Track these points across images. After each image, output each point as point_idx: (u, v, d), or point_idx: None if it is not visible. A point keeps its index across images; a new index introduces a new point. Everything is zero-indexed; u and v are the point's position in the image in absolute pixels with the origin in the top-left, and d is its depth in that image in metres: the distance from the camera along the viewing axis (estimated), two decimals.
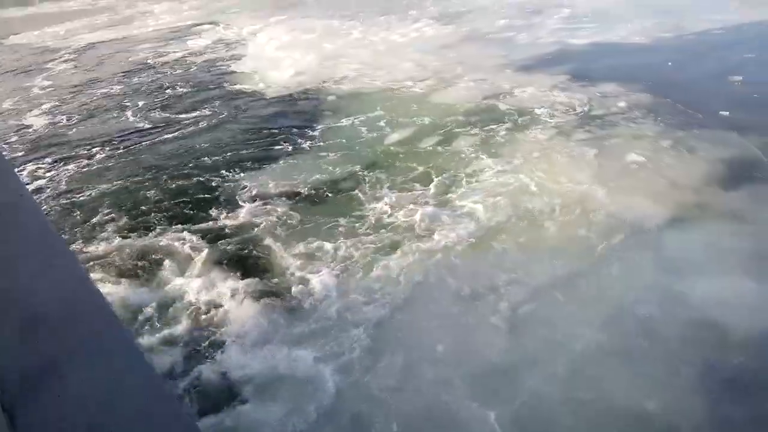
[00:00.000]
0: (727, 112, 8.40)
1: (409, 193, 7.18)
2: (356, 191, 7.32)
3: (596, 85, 10.17)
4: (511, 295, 5.08)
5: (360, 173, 7.84)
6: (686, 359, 4.22)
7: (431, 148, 8.49)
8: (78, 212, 7.72)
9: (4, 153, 10.20)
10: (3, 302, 1.56)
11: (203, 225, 6.97)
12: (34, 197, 7.47)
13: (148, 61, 17.30)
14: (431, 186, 7.29)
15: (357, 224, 6.53)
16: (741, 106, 8.61)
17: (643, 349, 4.37)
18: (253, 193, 7.66)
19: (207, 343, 4.93)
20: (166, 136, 10.39)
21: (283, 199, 7.39)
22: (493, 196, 6.79)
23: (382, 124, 9.69)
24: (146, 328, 5.16)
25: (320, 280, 5.57)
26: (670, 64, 10.83)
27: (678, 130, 7.99)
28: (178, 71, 15.55)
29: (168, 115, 11.74)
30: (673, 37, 12.66)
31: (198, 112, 11.68)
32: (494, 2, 19.47)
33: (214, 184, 8.15)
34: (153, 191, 8.06)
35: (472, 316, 4.92)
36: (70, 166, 9.42)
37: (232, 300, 5.48)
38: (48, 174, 9.20)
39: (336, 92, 11.80)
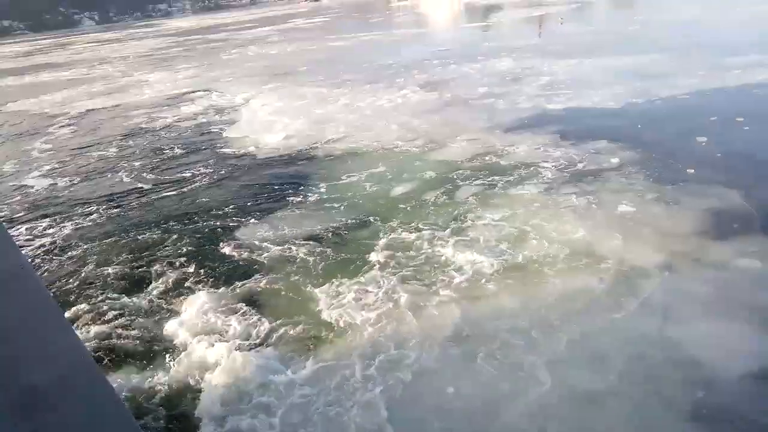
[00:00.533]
0: (693, 170, 9.00)
1: (415, 239, 7.57)
2: (363, 238, 7.77)
3: (579, 144, 10.82)
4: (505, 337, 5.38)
5: (364, 221, 8.33)
6: (672, 398, 4.49)
7: (434, 199, 9.01)
8: (80, 270, 7.95)
9: (4, 212, 10.50)
10: (1, 374, 1.51)
11: (218, 266, 7.24)
12: (34, 267, 7.72)
13: (143, 125, 17.96)
14: (436, 233, 7.69)
15: (360, 269, 6.86)
16: (707, 163, 9.23)
17: (631, 387, 4.65)
18: (264, 238, 8.04)
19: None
20: (167, 194, 10.79)
21: (302, 242, 7.84)
22: (495, 243, 7.20)
23: (384, 178, 10.25)
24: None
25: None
26: (639, 126, 11.58)
27: (656, 184, 8.55)
28: (173, 134, 16.16)
29: (166, 175, 12.19)
30: (643, 101, 13.53)
31: (196, 171, 12.16)
32: (476, 71, 20.56)
33: (223, 231, 8.49)
34: (160, 243, 8.35)
35: (469, 357, 5.21)
36: (69, 224, 9.71)
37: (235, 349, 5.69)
38: (49, 231, 9.46)
39: (331, 152, 12.41)
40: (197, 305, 6.58)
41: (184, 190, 10.96)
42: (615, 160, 9.80)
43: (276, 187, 10.52)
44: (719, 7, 34.19)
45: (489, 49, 26.72)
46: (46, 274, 8.02)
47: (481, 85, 17.83)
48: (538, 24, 37.22)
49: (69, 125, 19.63)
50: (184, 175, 12.02)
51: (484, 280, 6.51)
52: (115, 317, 6.64)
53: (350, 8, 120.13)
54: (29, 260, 7.94)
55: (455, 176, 9.99)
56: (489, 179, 9.65)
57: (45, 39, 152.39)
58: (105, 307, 6.85)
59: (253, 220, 9.09)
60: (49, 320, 1.87)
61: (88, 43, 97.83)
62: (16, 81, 40.63)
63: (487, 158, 10.80)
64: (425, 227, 8.03)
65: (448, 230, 7.86)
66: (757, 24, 25.39)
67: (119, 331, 6.35)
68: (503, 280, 6.44)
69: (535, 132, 12.07)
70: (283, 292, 6.77)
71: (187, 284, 7.22)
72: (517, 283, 6.36)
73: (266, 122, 16.34)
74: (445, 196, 9.15)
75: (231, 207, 9.77)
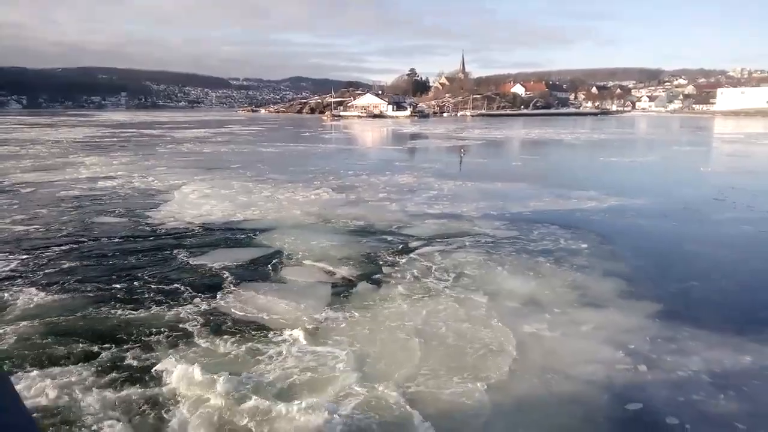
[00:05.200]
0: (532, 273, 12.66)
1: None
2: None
3: (434, 239, 14.39)
4: None
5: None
6: None
7: (312, 250, 12.01)
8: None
9: None
10: None
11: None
12: None
13: (81, 196, 20.28)
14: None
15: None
16: (514, 253, 12.95)
17: None
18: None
19: None
20: (91, 251, 13.22)
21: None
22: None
23: (284, 242, 13.22)
24: None
25: None
26: (480, 228, 15.41)
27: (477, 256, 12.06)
28: (108, 206, 18.62)
29: (94, 234, 14.65)
30: (496, 213, 17.62)
31: (123, 234, 14.70)
32: (382, 182, 24.61)
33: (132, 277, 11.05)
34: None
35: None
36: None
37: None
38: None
39: (248, 225, 15.37)
40: None
41: (107, 249, 13.46)
42: (453, 246, 13.35)
43: (193, 249, 13.21)
44: (599, 154, 41.65)
45: (398, 167, 31.46)
46: None
47: (381, 192, 21.72)
48: (452, 153, 43.28)
49: (5, 192, 21.50)
50: (117, 236, 14.54)
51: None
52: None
53: (285, 121, 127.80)
54: None
55: (336, 240, 13.15)
56: (363, 241, 12.87)
57: None
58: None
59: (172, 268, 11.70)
60: None
61: (16, 124, 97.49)
62: None
63: (367, 234, 14.12)
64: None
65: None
66: (606, 170, 31.99)
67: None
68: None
69: (406, 224, 15.64)
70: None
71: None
72: None
73: (195, 203, 19.15)
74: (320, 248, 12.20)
75: (154, 257, 12.37)
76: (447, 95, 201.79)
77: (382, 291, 10.13)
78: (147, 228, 15.36)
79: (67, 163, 32.39)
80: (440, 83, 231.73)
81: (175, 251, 12.85)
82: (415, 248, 13.06)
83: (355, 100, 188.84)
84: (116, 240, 14.09)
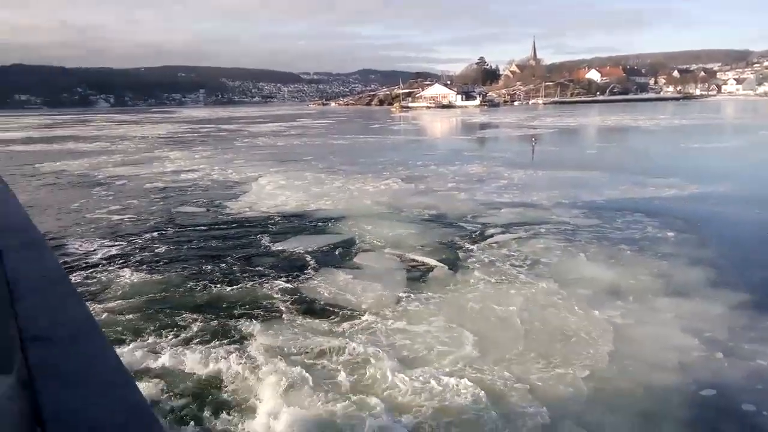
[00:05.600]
0: (582, 240, 12.39)
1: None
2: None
3: (509, 227, 14.29)
4: None
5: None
6: None
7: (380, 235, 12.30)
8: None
9: (77, 235, 13.67)
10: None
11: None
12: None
13: (168, 187, 21.62)
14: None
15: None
16: (594, 240, 12.64)
17: None
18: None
19: None
20: (188, 236, 14.10)
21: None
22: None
23: (359, 230, 13.63)
24: None
25: None
26: (558, 216, 15.11)
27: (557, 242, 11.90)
28: (194, 197, 19.74)
29: (187, 223, 15.60)
30: (571, 202, 17.21)
31: (211, 222, 15.57)
32: (451, 172, 24.58)
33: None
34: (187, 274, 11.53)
35: None
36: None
37: None
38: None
39: (322, 214, 15.89)
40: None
41: (203, 235, 14.32)
42: (530, 234, 13.20)
43: (273, 235, 13.81)
44: (680, 140, 39.61)
45: (467, 156, 31.26)
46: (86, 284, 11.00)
47: (450, 182, 21.73)
48: (523, 142, 42.47)
49: (102, 184, 23.26)
50: (202, 223, 15.44)
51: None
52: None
53: (355, 114, 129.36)
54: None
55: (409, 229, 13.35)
56: (435, 229, 13.01)
57: (62, 115, 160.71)
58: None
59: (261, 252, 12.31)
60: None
61: (105, 122, 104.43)
62: (46, 147, 44.90)
63: (439, 222, 14.23)
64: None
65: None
66: (688, 156, 30.31)
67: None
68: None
69: (479, 213, 15.60)
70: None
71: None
72: None
73: (271, 194, 19.95)
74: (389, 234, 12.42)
75: (245, 244, 13.04)
76: (518, 83, 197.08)
77: (459, 276, 10.24)
78: (228, 216, 16.21)
79: (153, 157, 34.47)
80: (510, 71, 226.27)
81: (256, 237, 13.54)
82: (490, 236, 13.04)
83: (423, 91, 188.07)
84: (200, 227, 14.98)
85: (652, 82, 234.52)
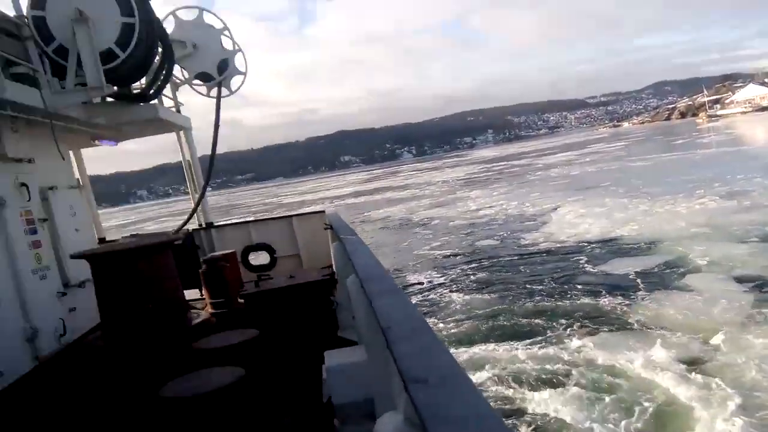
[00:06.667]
0: None
1: None
2: None
3: None
4: None
5: None
6: None
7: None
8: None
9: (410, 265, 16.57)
10: None
11: None
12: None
13: (472, 223, 23.91)
14: None
15: None
16: None
17: None
18: None
19: None
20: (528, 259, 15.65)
21: None
22: None
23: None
24: None
25: None
26: None
27: None
28: (500, 230, 21.45)
29: (513, 251, 17.18)
30: None
31: (533, 250, 16.83)
32: None
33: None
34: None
35: None
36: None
37: None
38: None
39: (636, 240, 15.65)
40: None
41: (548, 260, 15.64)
42: None
43: (583, 260, 14.22)
44: None
45: None
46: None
47: None
48: None
49: (420, 225, 26.95)
50: (510, 252, 16.77)
51: None
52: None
53: (653, 131, 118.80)
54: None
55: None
56: None
57: (376, 169, 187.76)
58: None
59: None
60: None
61: (411, 171, 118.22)
62: (369, 198, 53.59)
63: None
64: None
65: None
66: None
67: None
68: None
69: None
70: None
71: None
72: None
73: (572, 223, 20.27)
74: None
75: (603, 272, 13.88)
76: None
77: None
78: (533, 246, 17.20)
79: (456, 198, 38.06)
80: None
81: (569, 262, 14.29)
82: None
83: (733, 95, 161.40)
84: (509, 256, 16.31)
85: None
